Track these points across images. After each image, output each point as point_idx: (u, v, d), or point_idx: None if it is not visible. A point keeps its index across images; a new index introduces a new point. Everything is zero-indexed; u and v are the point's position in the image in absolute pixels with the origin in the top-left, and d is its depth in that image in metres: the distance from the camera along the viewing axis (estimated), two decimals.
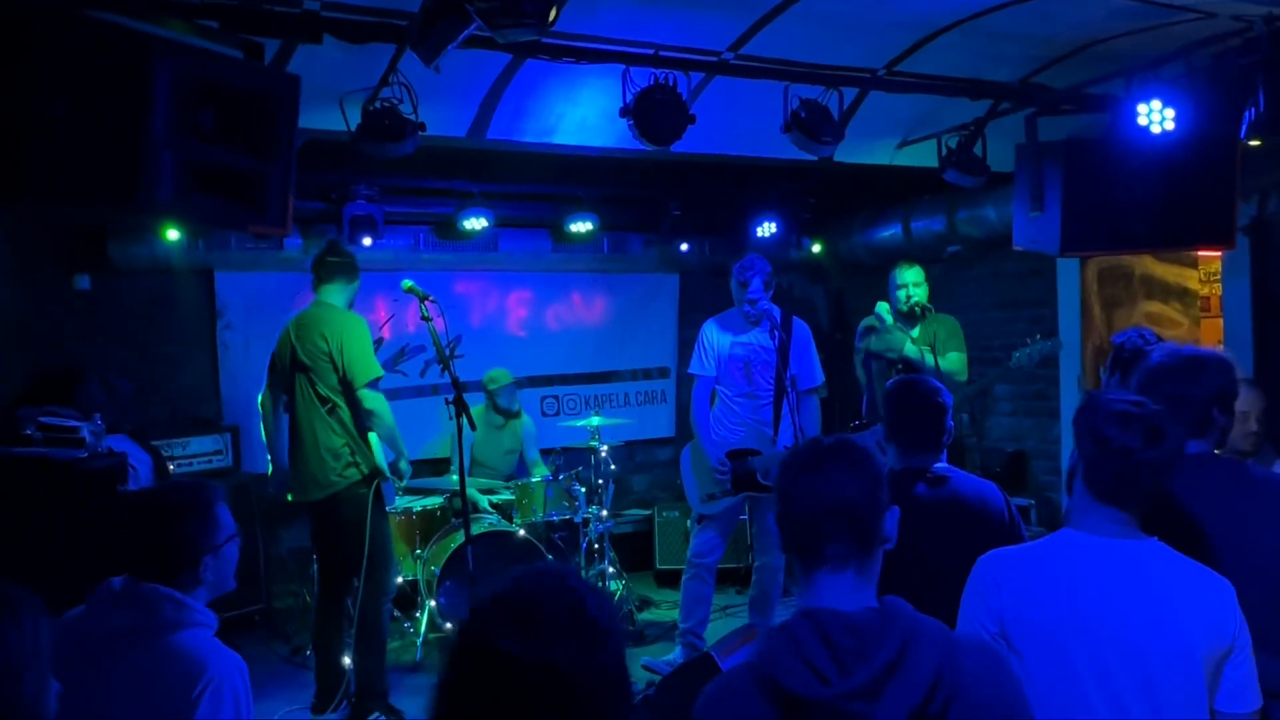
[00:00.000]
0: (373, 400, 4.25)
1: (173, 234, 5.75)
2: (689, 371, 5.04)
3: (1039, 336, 5.17)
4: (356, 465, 4.29)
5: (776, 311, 4.77)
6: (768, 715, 1.44)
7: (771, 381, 4.86)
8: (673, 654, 5.00)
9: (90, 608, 2.12)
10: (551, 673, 1.20)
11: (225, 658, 2.08)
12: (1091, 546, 1.98)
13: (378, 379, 4.29)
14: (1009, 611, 1.97)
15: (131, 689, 2.00)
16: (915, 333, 5.27)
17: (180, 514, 2.17)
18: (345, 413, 4.29)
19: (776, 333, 4.70)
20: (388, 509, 4.50)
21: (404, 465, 4.47)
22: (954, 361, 5.32)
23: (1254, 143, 4.00)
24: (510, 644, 1.20)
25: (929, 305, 5.27)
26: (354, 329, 4.30)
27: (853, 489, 1.55)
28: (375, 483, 4.33)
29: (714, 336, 4.95)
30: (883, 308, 5.28)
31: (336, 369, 4.26)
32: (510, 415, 6.48)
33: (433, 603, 5.32)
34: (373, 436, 4.37)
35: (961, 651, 1.49)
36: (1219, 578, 1.96)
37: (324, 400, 4.29)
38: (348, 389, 4.26)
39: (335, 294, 4.43)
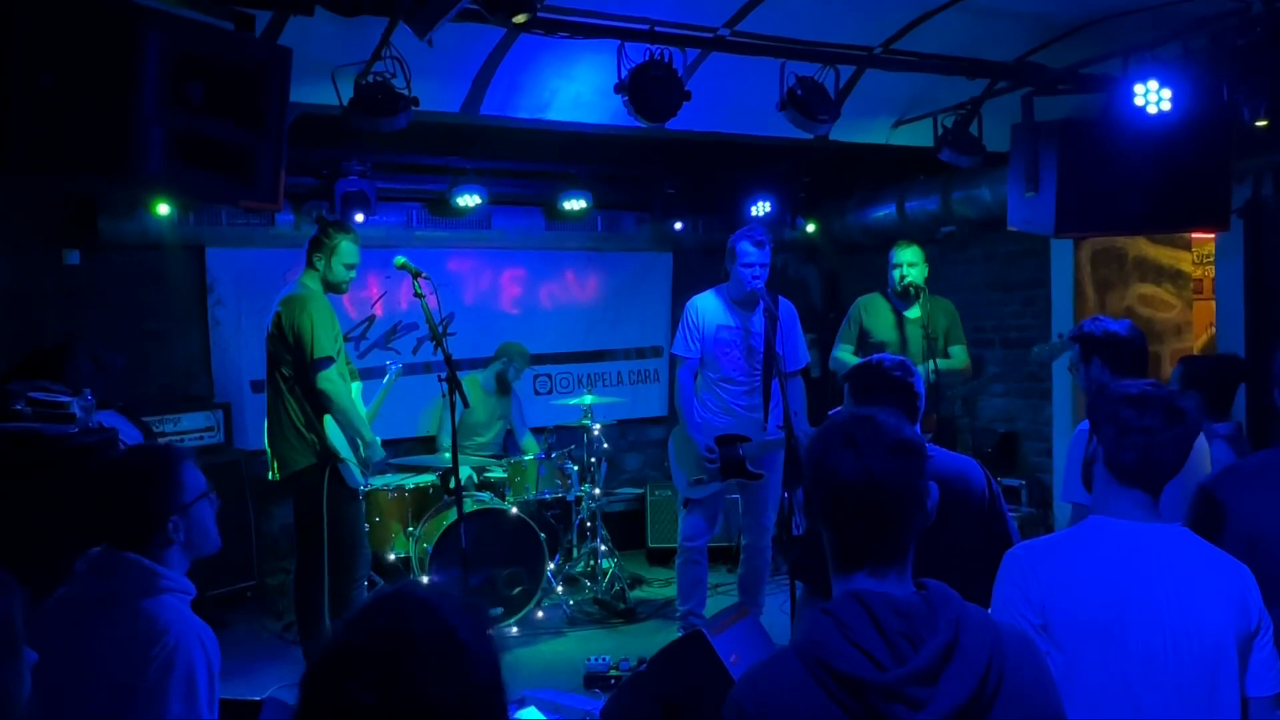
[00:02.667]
0: (323, 382, 4.15)
1: (163, 209, 5.71)
2: (673, 352, 4.91)
3: (1062, 336, 5.14)
4: (308, 448, 4.22)
5: (764, 291, 4.73)
6: (821, 698, 1.41)
7: (760, 365, 4.81)
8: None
9: (72, 579, 2.13)
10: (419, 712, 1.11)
11: (188, 625, 2.06)
12: (1123, 531, 1.97)
13: (325, 359, 4.14)
14: (1050, 602, 1.94)
15: (98, 654, 2.01)
16: (915, 313, 5.28)
17: (141, 477, 2.14)
18: (299, 393, 4.22)
19: (768, 314, 4.66)
20: (360, 489, 4.42)
21: (367, 452, 4.36)
22: (958, 357, 5.38)
23: (1260, 123, 3.99)
24: (369, 695, 1.08)
25: (923, 286, 5.26)
26: (303, 307, 4.17)
27: (898, 478, 1.51)
28: (329, 466, 4.24)
29: (700, 317, 4.80)
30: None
31: (289, 349, 4.19)
32: (508, 389, 6.56)
33: (425, 580, 5.33)
34: (329, 419, 4.27)
35: (1004, 638, 1.49)
36: (1239, 563, 1.96)
37: (283, 380, 4.25)
38: (299, 370, 4.18)
39: (310, 276, 4.35)
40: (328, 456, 4.25)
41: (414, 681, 1.10)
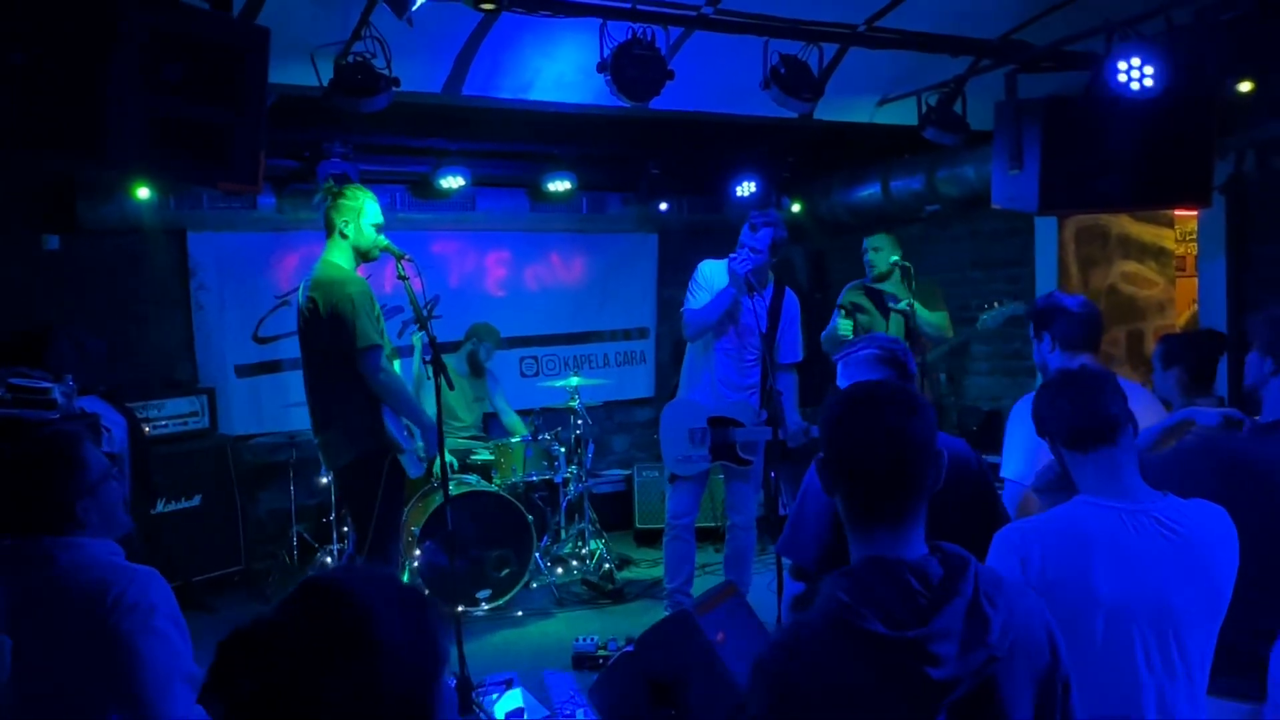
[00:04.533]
0: (380, 373, 3.94)
1: (143, 192, 5.65)
2: (685, 309, 4.86)
3: (1005, 300, 5.47)
4: (357, 438, 4.00)
5: (770, 277, 4.77)
6: (849, 658, 1.45)
7: (753, 346, 4.82)
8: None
9: None
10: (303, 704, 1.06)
11: (136, 569, 2.06)
12: (1113, 509, 1.99)
13: (373, 348, 3.91)
14: (1042, 584, 1.95)
15: (50, 643, 1.98)
16: (889, 288, 5.43)
17: (42, 466, 2.11)
18: (344, 382, 3.98)
19: (758, 296, 4.66)
20: (412, 476, 4.22)
21: (425, 438, 4.15)
22: (937, 318, 5.54)
23: (1244, 86, 3.99)
24: (250, 684, 1.06)
25: (888, 270, 5.47)
26: (341, 291, 3.92)
27: (916, 435, 1.55)
28: (388, 457, 4.03)
29: (709, 279, 4.79)
30: (845, 326, 5.35)
31: (329, 336, 3.95)
32: (481, 369, 6.52)
33: (413, 564, 5.34)
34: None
35: (1015, 597, 1.54)
36: (1217, 507, 2.01)
37: (325, 368, 4.04)
38: (342, 358, 3.96)
39: (335, 250, 4.08)
40: (384, 447, 4.02)
41: (298, 675, 1.06)
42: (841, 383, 2.91)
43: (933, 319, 5.47)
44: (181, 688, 2.02)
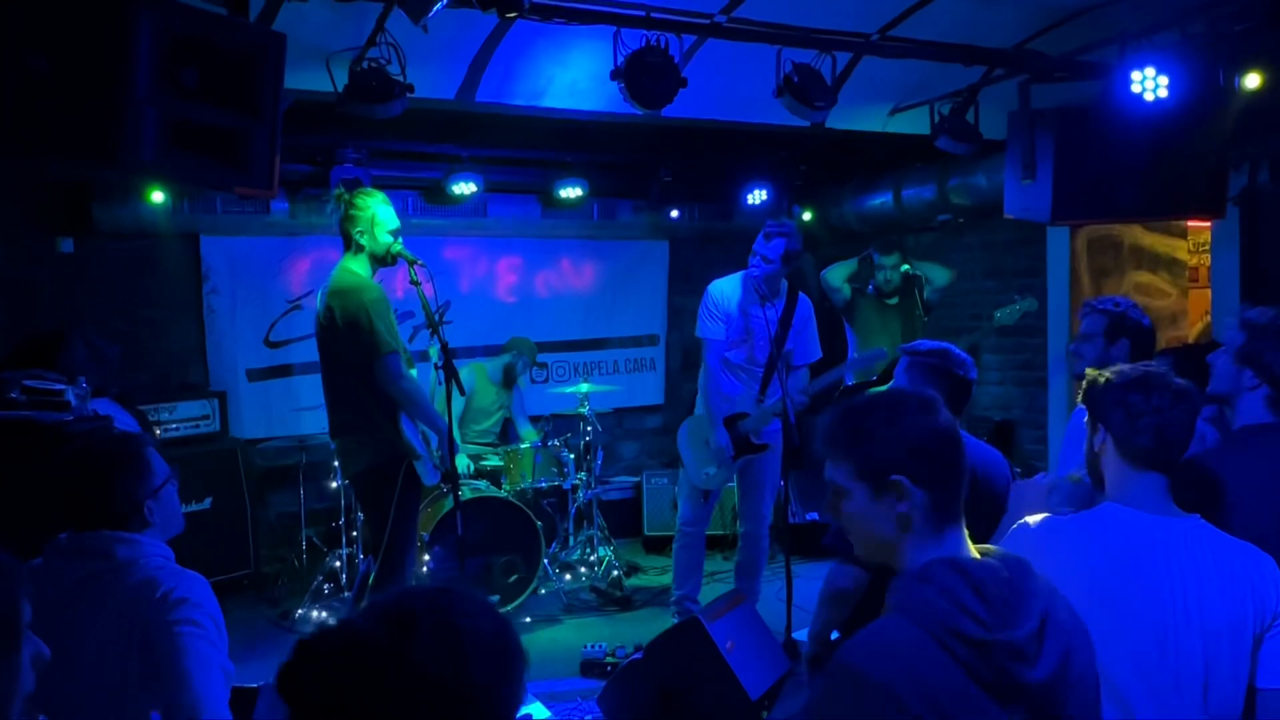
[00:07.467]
0: (399, 379, 3.93)
1: (157, 196, 5.68)
2: (698, 334, 4.87)
3: (1019, 296, 5.61)
4: (373, 446, 4.00)
5: (784, 286, 4.77)
6: (945, 661, 1.44)
7: (760, 354, 4.82)
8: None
9: (47, 564, 2.16)
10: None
11: (184, 571, 2.17)
12: (1136, 521, 1.96)
13: (391, 355, 3.89)
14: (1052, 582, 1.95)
15: (97, 628, 2.06)
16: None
17: (118, 464, 2.20)
18: (361, 390, 3.97)
19: (769, 305, 4.66)
20: (428, 483, 4.20)
21: (442, 447, 4.11)
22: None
23: (1252, 81, 3.98)
24: (327, 697, 1.09)
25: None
26: (357, 299, 3.91)
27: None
28: (405, 464, 4.01)
29: (721, 298, 4.81)
30: None
31: (346, 344, 3.94)
32: (513, 382, 6.56)
33: (422, 569, 5.34)
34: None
35: (1060, 596, 1.58)
36: (1258, 553, 1.94)
37: (342, 375, 4.03)
38: (360, 366, 3.94)
39: (355, 259, 4.06)
40: (401, 454, 4.01)
41: (394, 703, 1.08)
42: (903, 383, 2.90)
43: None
44: (219, 677, 2.10)
